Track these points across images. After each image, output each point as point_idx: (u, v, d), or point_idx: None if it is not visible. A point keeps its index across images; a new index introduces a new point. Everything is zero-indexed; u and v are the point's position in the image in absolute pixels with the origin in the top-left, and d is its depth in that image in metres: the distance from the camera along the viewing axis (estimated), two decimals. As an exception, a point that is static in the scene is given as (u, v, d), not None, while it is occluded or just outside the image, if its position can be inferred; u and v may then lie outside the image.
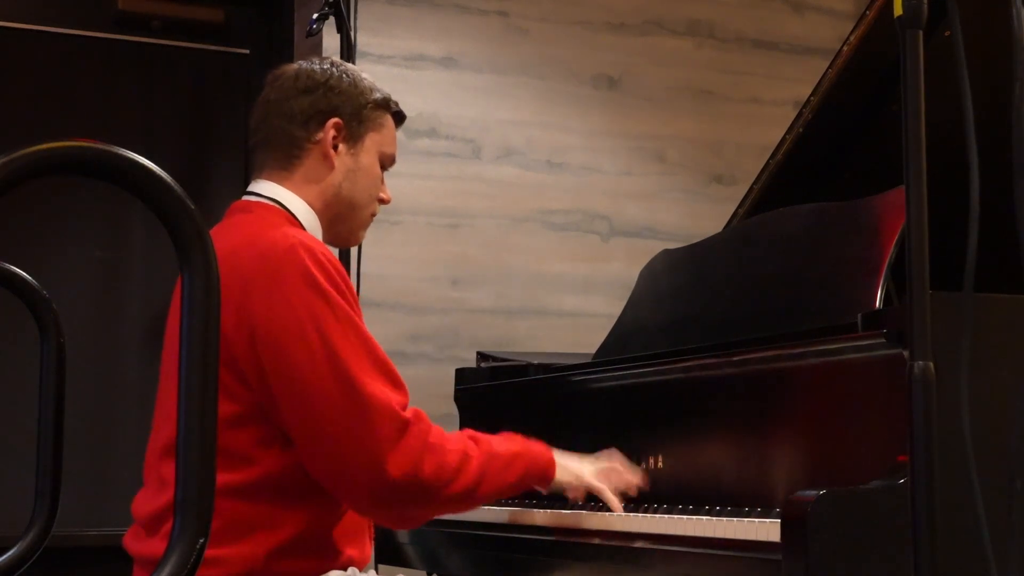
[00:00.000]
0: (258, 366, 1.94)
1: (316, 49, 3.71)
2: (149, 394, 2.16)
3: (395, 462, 1.94)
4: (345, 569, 2.03)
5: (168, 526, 1.94)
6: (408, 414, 1.97)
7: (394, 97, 2.26)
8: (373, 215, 2.24)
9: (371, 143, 2.18)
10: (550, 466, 2.15)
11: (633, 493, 2.20)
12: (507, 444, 2.12)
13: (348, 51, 3.05)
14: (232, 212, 2.14)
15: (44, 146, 1.06)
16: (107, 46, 3.92)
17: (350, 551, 2.04)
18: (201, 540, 1.11)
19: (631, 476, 2.21)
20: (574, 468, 2.18)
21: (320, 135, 2.14)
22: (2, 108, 3.77)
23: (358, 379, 1.94)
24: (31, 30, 3.84)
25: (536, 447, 2.15)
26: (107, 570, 2.40)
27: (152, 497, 2.03)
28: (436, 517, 2.18)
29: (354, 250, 3.06)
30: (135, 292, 3.84)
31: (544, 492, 2.21)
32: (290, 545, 1.95)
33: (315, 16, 2.99)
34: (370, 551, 2.14)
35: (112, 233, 3.85)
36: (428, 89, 3.92)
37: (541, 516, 2.27)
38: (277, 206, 2.11)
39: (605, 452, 2.25)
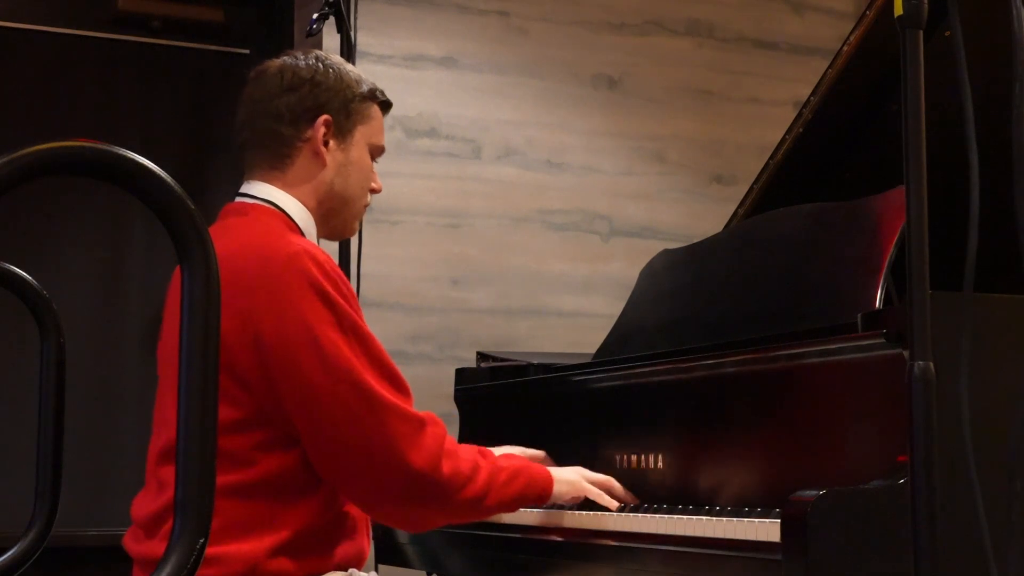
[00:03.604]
0: (263, 372, 1.94)
1: (316, 49, 3.71)
2: (149, 394, 2.16)
3: (416, 457, 1.97)
4: (345, 569, 2.03)
5: (166, 527, 1.95)
6: (422, 415, 2.00)
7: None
8: (366, 206, 2.23)
9: (360, 136, 2.17)
10: (548, 483, 2.17)
11: (625, 501, 2.23)
12: (509, 460, 2.15)
13: (348, 51, 3.05)
14: (226, 214, 2.13)
15: (44, 146, 1.06)
16: (107, 46, 3.91)
17: (349, 548, 2.05)
18: (201, 540, 1.11)
19: (621, 490, 2.25)
20: (570, 479, 2.20)
21: (310, 133, 2.12)
22: (2, 108, 3.77)
23: (369, 385, 1.95)
24: (31, 30, 3.84)
25: (534, 466, 2.18)
26: (107, 570, 2.40)
27: (151, 499, 2.04)
28: (446, 523, 2.20)
29: (354, 250, 3.06)
30: (135, 292, 3.84)
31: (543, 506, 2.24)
32: (289, 543, 1.96)
33: (315, 16, 2.99)
34: (369, 549, 2.15)
35: (112, 233, 3.85)
36: (428, 89, 3.92)
37: (541, 516, 2.27)
38: (272, 208, 2.10)
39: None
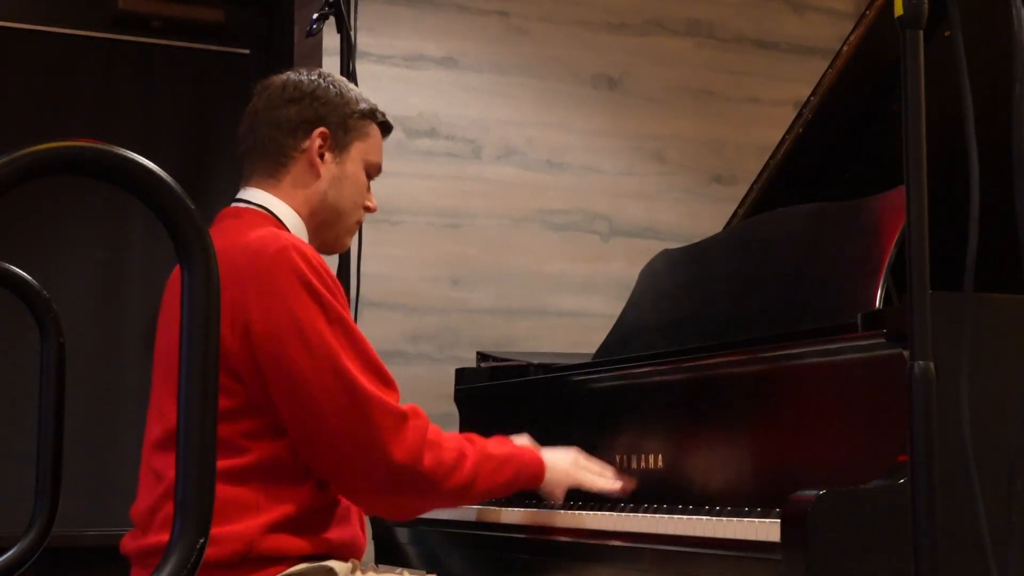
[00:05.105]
0: (252, 363, 1.98)
1: (316, 49, 3.71)
2: (148, 394, 2.16)
3: (397, 450, 2.00)
4: (346, 559, 2.05)
5: (162, 514, 1.98)
6: (405, 408, 2.04)
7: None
8: (359, 222, 2.28)
9: (357, 152, 2.22)
10: (540, 469, 2.21)
11: (613, 479, 2.25)
12: (500, 447, 2.19)
13: (348, 51, 3.05)
14: (222, 218, 2.18)
15: (44, 146, 1.06)
16: (107, 46, 3.91)
17: (341, 534, 2.07)
18: (201, 540, 1.11)
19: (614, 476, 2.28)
20: (564, 468, 2.24)
21: (307, 143, 2.17)
22: (2, 108, 3.77)
23: (353, 376, 1.99)
24: (31, 30, 3.84)
25: (526, 451, 2.22)
26: (107, 570, 2.40)
27: (147, 492, 2.06)
28: (431, 510, 2.24)
29: (354, 250, 3.06)
30: (135, 292, 3.84)
31: (536, 491, 2.26)
32: (284, 523, 1.99)
33: (315, 16, 2.99)
34: (364, 540, 2.17)
35: (112, 233, 3.85)
36: (428, 89, 3.92)
37: (541, 516, 2.27)
38: (265, 212, 2.15)
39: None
